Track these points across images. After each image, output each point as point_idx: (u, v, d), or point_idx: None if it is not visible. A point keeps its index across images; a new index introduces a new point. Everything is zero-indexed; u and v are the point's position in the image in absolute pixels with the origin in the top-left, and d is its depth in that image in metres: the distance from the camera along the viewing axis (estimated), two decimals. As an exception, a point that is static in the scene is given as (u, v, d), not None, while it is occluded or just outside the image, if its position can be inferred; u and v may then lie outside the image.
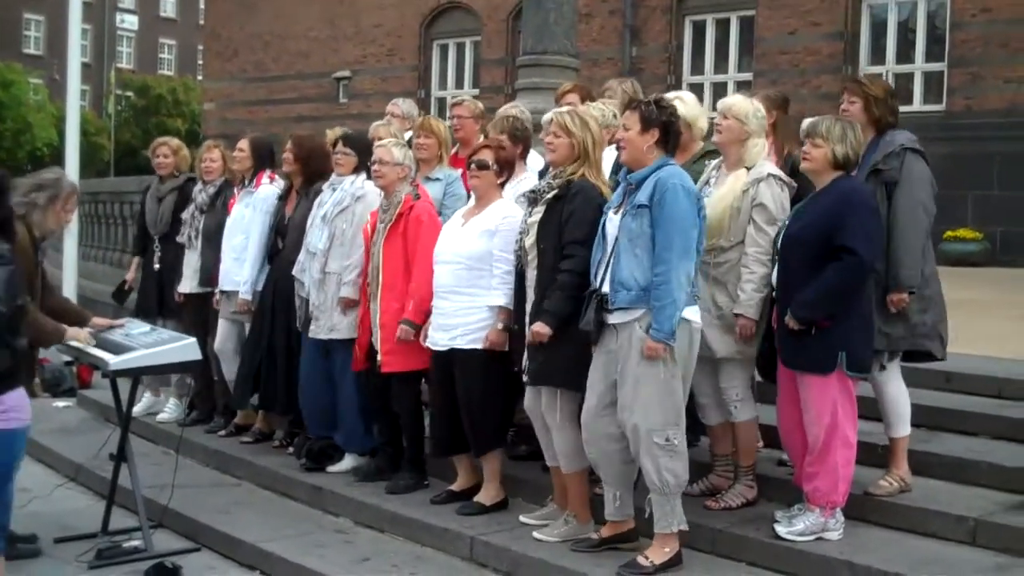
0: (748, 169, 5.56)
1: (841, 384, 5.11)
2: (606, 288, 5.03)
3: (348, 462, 6.78)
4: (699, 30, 21.82)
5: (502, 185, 6.04)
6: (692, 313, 5.01)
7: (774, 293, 5.32)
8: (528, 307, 5.51)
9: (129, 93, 59.56)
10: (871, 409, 5.66)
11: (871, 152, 5.50)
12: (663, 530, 5.06)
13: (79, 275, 11.11)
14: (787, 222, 5.31)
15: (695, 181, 5.44)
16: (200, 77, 45.01)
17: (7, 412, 4.25)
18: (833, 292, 5.04)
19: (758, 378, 5.87)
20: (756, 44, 20.73)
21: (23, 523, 5.91)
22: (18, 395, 4.33)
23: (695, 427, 6.24)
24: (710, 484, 5.82)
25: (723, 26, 21.51)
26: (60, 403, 9.51)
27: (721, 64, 21.54)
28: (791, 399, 5.25)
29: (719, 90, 20.79)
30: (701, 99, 21.01)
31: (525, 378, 5.52)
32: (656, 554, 5.04)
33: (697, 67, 21.80)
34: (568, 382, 5.33)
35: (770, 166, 5.60)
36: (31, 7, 61.16)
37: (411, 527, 5.91)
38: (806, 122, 5.51)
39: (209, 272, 7.87)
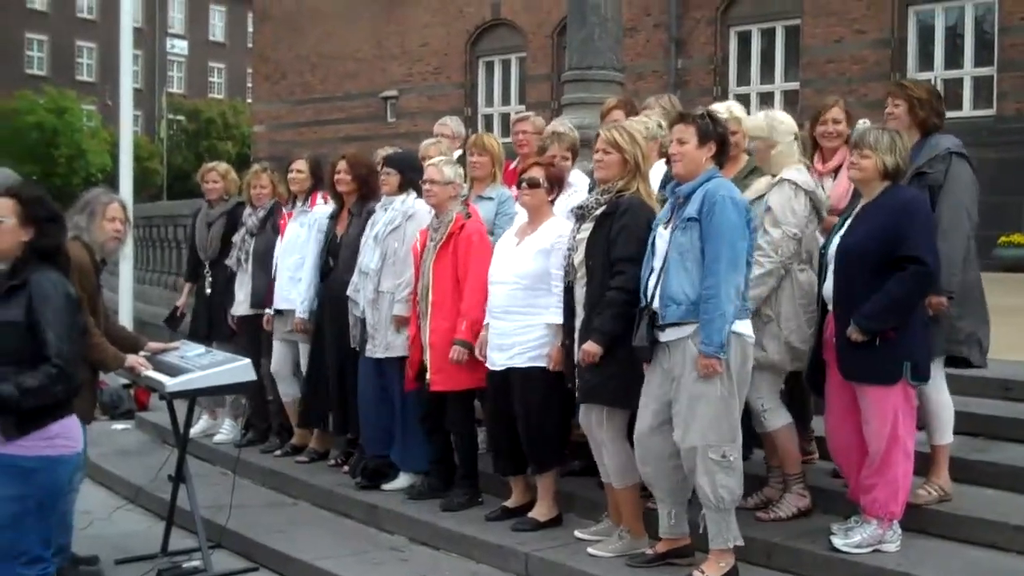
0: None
1: (904, 394, 5.07)
2: (657, 304, 5.03)
3: (403, 480, 6.82)
4: (744, 41, 21.79)
5: (552, 202, 6.06)
6: (743, 326, 4.98)
7: (829, 305, 5.28)
8: (577, 323, 5.52)
9: (180, 117, 60.32)
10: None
11: (915, 155, 5.45)
12: (719, 546, 5.04)
13: (135, 298, 11.27)
14: (841, 232, 5.26)
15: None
16: (249, 100, 45.54)
17: (54, 439, 4.28)
18: (900, 303, 4.99)
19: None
20: (802, 53, 20.65)
21: (85, 545, 6.00)
22: (66, 423, 4.35)
23: (748, 441, 6.23)
24: (764, 497, 5.79)
25: (768, 36, 21.45)
26: (119, 426, 9.62)
27: (767, 74, 21.49)
28: (845, 411, 5.22)
29: (765, 100, 20.74)
30: (748, 111, 21.06)
31: (577, 394, 5.55)
32: (712, 569, 5.02)
33: (743, 78, 21.77)
34: (616, 400, 5.34)
35: (792, 172, 5.56)
36: (84, 35, 62.26)
37: (466, 544, 5.93)
38: (854, 132, 5.49)
39: (261, 294, 7.95)
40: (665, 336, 5.01)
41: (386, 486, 6.82)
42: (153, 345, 6.27)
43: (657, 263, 5.07)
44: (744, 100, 21.17)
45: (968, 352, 5.53)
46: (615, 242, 5.31)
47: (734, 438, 5.00)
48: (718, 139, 5.09)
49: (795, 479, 5.66)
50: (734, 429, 5.00)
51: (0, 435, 4.17)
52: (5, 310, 4.18)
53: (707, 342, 4.83)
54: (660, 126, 6.24)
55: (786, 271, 5.47)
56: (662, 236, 5.10)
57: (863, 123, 6.08)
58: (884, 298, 4.97)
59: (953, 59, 19.27)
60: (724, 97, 20.85)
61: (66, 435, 4.33)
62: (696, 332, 4.89)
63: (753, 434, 5.96)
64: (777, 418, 5.60)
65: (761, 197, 5.54)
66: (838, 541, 5.13)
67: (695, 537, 5.23)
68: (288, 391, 7.79)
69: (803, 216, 5.49)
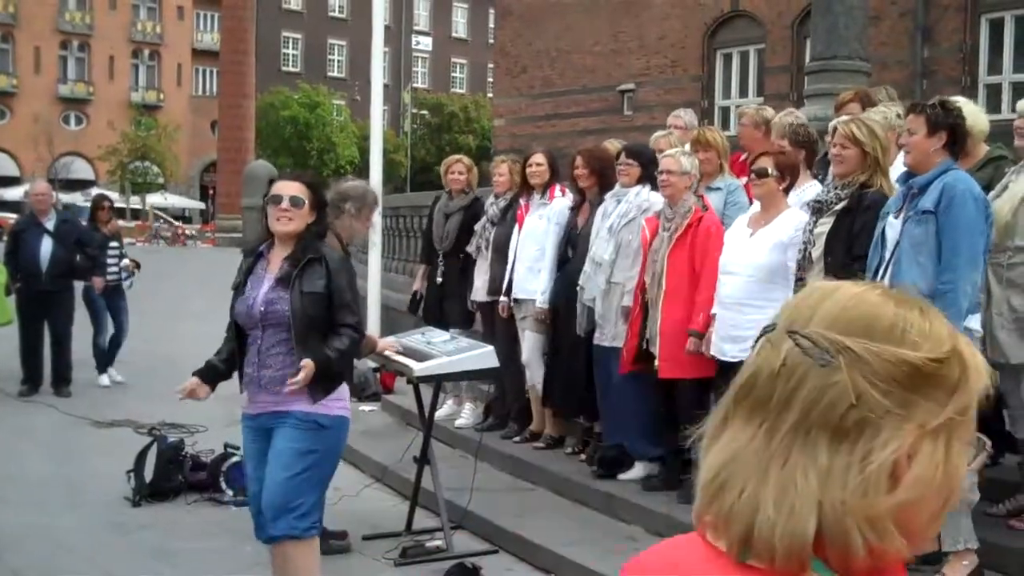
0: None
1: None
2: None
3: (639, 470, 6.86)
4: (996, 28, 20.70)
5: (786, 191, 5.97)
6: (974, 322, 4.83)
7: None
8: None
9: (424, 111, 62.18)
10: None
11: None
12: (950, 548, 4.87)
13: (382, 286, 11.69)
14: None
15: (982, 187, 5.23)
16: (490, 94, 46.47)
17: (343, 401, 4.63)
18: None
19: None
20: (1060, 40, 19.49)
21: (335, 520, 6.31)
22: (345, 388, 4.72)
23: (1000, 444, 5.97)
24: (1018, 504, 5.54)
25: (1022, 23, 20.32)
26: (366, 407, 10.01)
27: (1021, 63, 20.34)
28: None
29: (1019, 91, 19.67)
30: (999, 101, 19.99)
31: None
32: (955, 570, 4.85)
33: (995, 67, 20.69)
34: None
35: None
36: (335, 33, 65.07)
37: (702, 537, 5.90)
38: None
39: (498, 282, 8.13)
40: None
41: (622, 475, 6.87)
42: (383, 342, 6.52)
43: (887, 253, 4.95)
44: (995, 90, 20.16)
45: None
46: (857, 239, 5.21)
47: None
48: (949, 129, 4.92)
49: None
50: None
51: (309, 397, 4.53)
52: (310, 282, 4.55)
53: None
54: (899, 116, 6.06)
55: None
56: (892, 225, 4.98)
57: None
58: None
59: None
60: (973, 87, 19.91)
61: (347, 398, 4.69)
62: None
63: (1004, 438, 5.72)
64: None
65: None
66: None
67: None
68: (534, 376, 7.90)
69: None
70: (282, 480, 4.56)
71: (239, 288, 4.70)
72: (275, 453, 4.59)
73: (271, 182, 4.78)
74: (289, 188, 4.64)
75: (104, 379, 11.46)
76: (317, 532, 4.76)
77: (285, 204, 4.59)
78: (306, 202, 4.63)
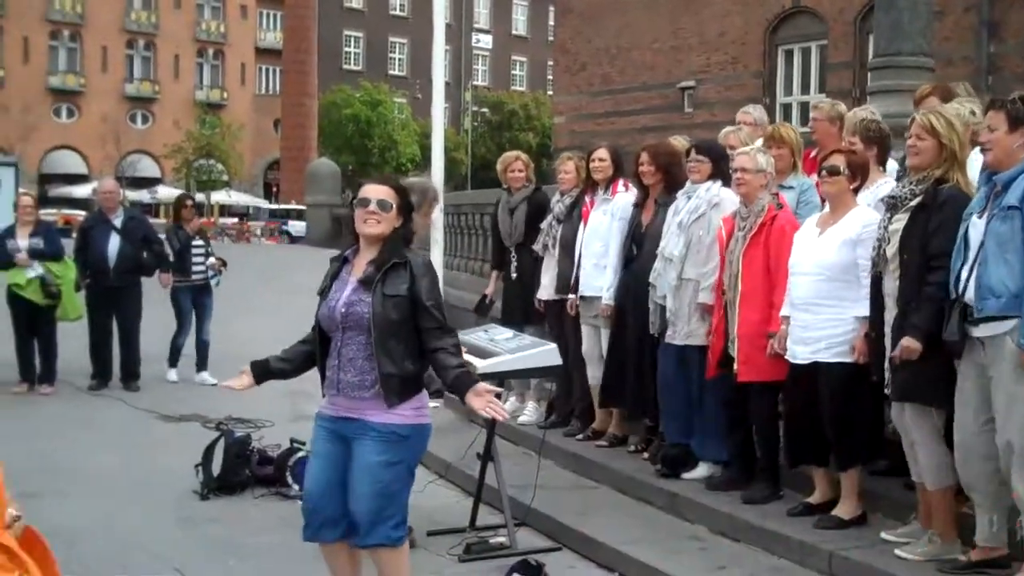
0: None
1: None
2: (969, 296, 4.83)
3: (702, 470, 6.84)
4: (1065, 23, 20.33)
5: (856, 191, 5.91)
6: None
7: None
8: (887, 317, 5.37)
9: (484, 109, 62.36)
10: None
11: None
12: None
13: (444, 283, 11.75)
14: None
15: None
16: (550, 92, 46.47)
17: (421, 408, 4.64)
18: None
19: None
20: None
21: (401, 515, 6.35)
22: (424, 394, 4.72)
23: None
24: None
25: (1093, 17, 19.94)
26: (430, 404, 10.02)
27: (1091, 58, 19.97)
28: None
29: (1092, 85, 19.29)
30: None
31: (886, 390, 5.40)
32: (1027, 576, 4.79)
33: (1063, 62, 20.32)
34: (935, 399, 5.16)
35: None
36: (396, 31, 65.52)
37: (767, 538, 5.88)
38: None
39: (566, 279, 8.14)
40: (979, 332, 4.81)
41: (685, 475, 6.85)
42: None
43: (971, 254, 4.86)
44: (1066, 86, 19.76)
45: None
46: (934, 236, 5.12)
47: None
48: None
49: None
50: None
51: (385, 403, 4.53)
52: (392, 285, 4.55)
53: None
54: (973, 112, 5.97)
55: None
56: (976, 226, 4.88)
57: None
58: None
59: None
60: (1043, 83, 19.57)
61: (426, 405, 4.69)
62: (1015, 328, 4.67)
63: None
64: None
65: None
66: None
67: (1013, 546, 5.00)
68: (596, 374, 7.90)
69: None
70: (373, 493, 4.54)
71: (324, 293, 4.71)
72: (360, 467, 4.55)
73: (360, 184, 4.77)
74: (377, 192, 4.63)
75: (172, 374, 11.61)
76: (407, 536, 4.78)
77: (373, 207, 4.58)
78: (394, 206, 4.61)
